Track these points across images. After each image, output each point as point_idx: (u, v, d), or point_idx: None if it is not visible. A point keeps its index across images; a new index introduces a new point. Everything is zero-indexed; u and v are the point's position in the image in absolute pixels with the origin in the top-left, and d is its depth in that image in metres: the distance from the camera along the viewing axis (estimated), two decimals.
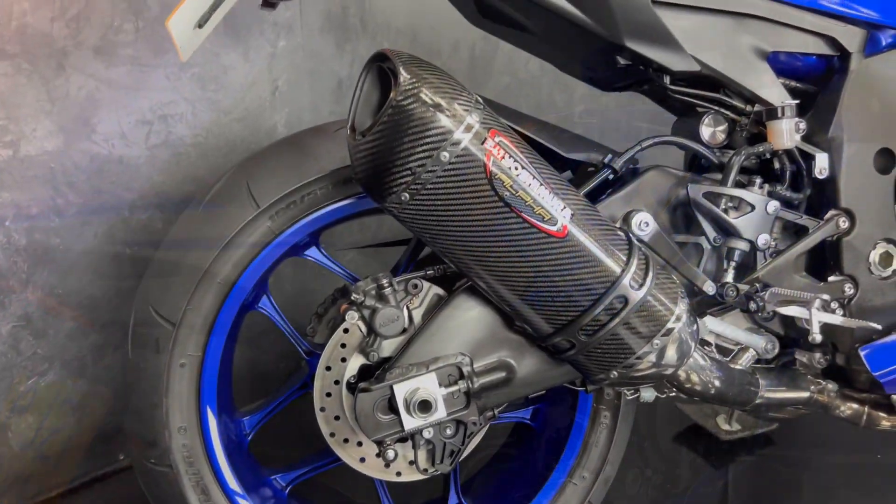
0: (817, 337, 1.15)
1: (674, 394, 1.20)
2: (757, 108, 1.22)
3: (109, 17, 1.52)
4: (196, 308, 1.12)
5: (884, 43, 1.22)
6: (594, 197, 1.17)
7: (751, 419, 1.85)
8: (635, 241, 1.07)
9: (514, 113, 1.17)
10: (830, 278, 1.23)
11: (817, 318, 1.15)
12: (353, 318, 1.11)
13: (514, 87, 2.32)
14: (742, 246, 1.16)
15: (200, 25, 1.15)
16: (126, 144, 1.61)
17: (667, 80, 1.20)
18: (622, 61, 1.19)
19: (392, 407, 1.09)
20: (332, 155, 1.14)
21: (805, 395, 1.28)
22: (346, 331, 1.13)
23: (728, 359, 1.23)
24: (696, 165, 1.32)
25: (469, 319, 1.12)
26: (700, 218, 1.16)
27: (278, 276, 1.91)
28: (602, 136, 2.48)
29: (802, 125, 1.19)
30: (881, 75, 1.22)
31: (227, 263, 1.12)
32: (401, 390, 1.08)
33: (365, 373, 1.14)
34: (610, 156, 1.18)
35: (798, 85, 1.26)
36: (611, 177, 1.18)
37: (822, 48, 1.22)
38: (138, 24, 1.56)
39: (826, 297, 1.19)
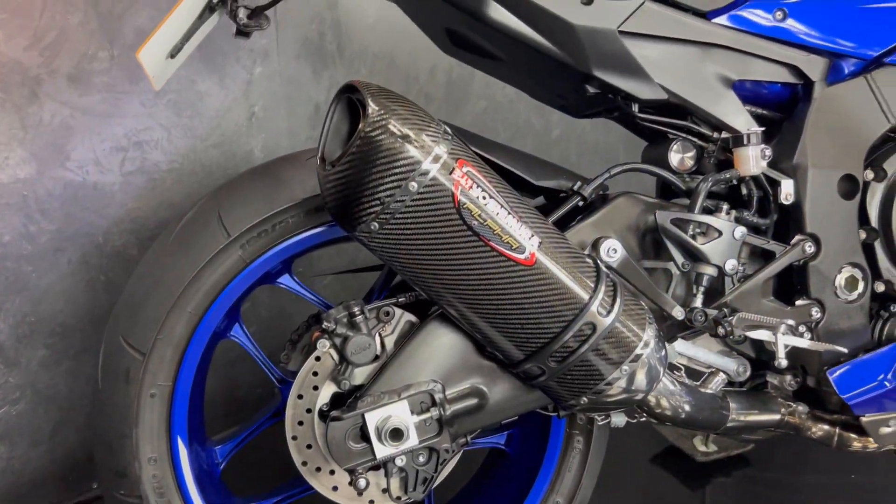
0: (783, 362, 1.16)
1: (644, 419, 1.21)
2: (724, 135, 1.24)
3: (84, 46, 1.53)
4: (166, 338, 1.12)
5: (846, 71, 1.25)
6: (565, 223, 1.18)
7: (727, 440, 1.86)
8: (603, 268, 1.08)
9: (485, 141, 1.19)
10: (798, 302, 1.24)
11: (783, 342, 1.16)
12: (324, 346, 1.11)
13: (491, 110, 2.34)
14: (710, 271, 1.17)
15: (173, 56, 1.16)
16: (100, 171, 1.61)
17: (635, 107, 1.22)
18: (591, 89, 1.21)
19: (364, 435, 1.08)
20: (304, 183, 1.14)
21: (776, 417, 1.29)
22: (317, 359, 1.13)
23: (698, 383, 1.24)
24: (668, 191, 1.34)
25: (441, 346, 1.12)
26: (668, 244, 1.17)
27: (254, 302, 1.90)
28: (579, 159, 2.52)
29: (768, 152, 1.21)
30: (843, 103, 1.24)
31: (198, 293, 1.12)
32: (372, 418, 1.08)
33: (337, 401, 1.14)
34: (579, 183, 1.20)
35: (764, 112, 1.28)
36: (580, 203, 1.19)
37: (787, 77, 1.25)
38: (113, 52, 1.56)
39: (792, 321, 1.21)
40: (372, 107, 0.96)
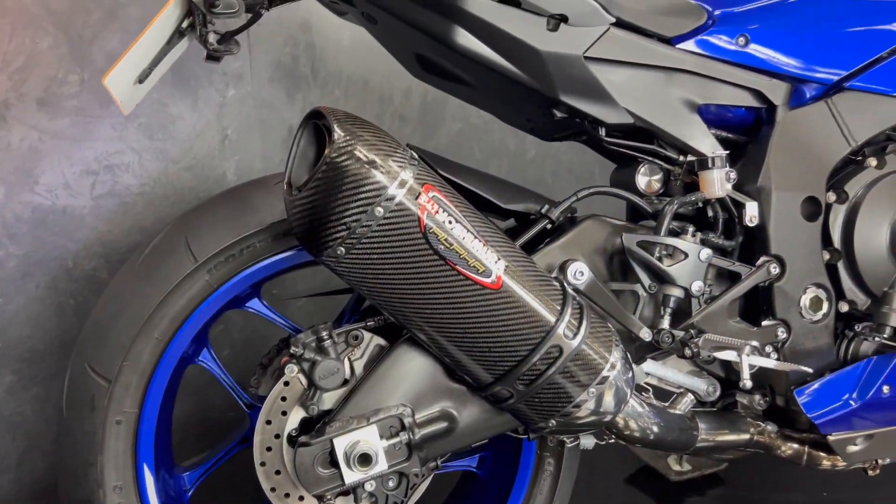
0: (747, 383, 1.17)
1: (613, 440, 1.21)
2: (689, 158, 1.25)
3: (54, 70, 1.52)
4: (132, 364, 1.11)
5: (808, 95, 1.27)
6: (534, 246, 1.19)
7: (701, 459, 1.87)
8: (570, 291, 1.09)
9: (454, 165, 1.19)
10: (764, 323, 1.25)
11: (748, 363, 1.17)
12: (292, 371, 1.11)
13: (466, 132, 2.36)
14: (677, 293, 1.18)
15: (141, 81, 1.16)
16: (70, 195, 1.60)
17: (602, 131, 1.24)
18: (559, 114, 1.23)
19: (333, 461, 1.08)
20: (272, 208, 1.14)
21: (745, 437, 1.30)
22: (286, 384, 1.13)
23: (667, 404, 1.25)
24: (637, 213, 1.35)
25: (410, 370, 1.12)
26: (635, 266, 1.18)
27: (227, 325, 1.89)
28: (555, 180, 2.54)
29: (733, 174, 1.23)
30: (805, 127, 1.26)
31: (165, 318, 1.11)
32: (341, 444, 1.07)
33: (306, 426, 1.13)
34: (547, 206, 1.20)
35: (729, 135, 1.30)
36: (549, 226, 1.20)
37: (750, 101, 1.27)
38: (83, 76, 1.56)
39: (758, 342, 1.22)
40: (338, 132, 0.96)
